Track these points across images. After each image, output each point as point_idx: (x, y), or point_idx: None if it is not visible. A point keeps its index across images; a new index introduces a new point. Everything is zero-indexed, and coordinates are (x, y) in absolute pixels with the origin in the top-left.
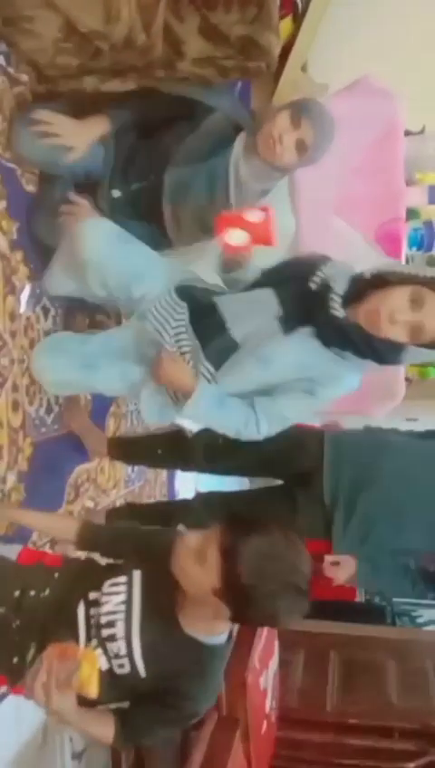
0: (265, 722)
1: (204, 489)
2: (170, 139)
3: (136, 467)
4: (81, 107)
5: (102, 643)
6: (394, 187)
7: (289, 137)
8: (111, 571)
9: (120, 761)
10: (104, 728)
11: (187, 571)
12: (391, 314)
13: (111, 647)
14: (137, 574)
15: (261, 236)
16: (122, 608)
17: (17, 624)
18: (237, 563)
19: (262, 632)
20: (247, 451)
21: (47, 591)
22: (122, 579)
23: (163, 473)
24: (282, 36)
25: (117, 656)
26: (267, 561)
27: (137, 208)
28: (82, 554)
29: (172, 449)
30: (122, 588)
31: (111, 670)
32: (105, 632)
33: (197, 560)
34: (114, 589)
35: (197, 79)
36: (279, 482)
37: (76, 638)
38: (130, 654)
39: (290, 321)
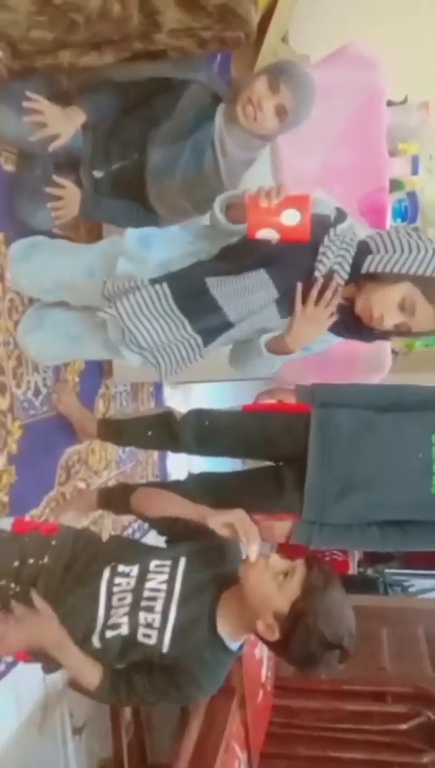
0: (261, 690)
1: (196, 470)
2: (151, 115)
3: (127, 448)
4: (58, 84)
5: (136, 610)
6: (378, 158)
7: (268, 103)
8: (156, 552)
9: (120, 733)
10: (92, 674)
11: (261, 585)
12: (382, 317)
13: (147, 616)
14: (182, 561)
15: (294, 236)
16: (164, 587)
17: (16, 591)
18: (311, 602)
19: None
20: (234, 434)
21: (46, 559)
22: (168, 563)
23: (155, 453)
24: (261, 5)
25: (149, 625)
26: (335, 616)
27: (120, 187)
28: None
29: (162, 431)
30: (166, 569)
31: (131, 636)
32: (145, 603)
33: (275, 580)
34: (160, 569)
35: (175, 51)
36: (270, 463)
37: (95, 601)
38: (162, 629)
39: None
